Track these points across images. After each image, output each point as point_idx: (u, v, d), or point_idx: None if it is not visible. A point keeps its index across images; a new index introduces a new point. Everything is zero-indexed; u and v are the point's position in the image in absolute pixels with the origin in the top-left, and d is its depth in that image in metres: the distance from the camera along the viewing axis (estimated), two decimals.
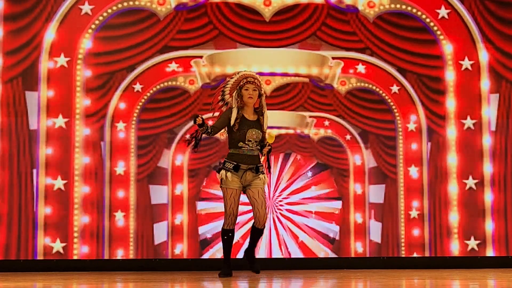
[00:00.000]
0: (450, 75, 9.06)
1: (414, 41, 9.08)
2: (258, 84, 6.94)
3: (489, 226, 8.94)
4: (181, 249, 8.78)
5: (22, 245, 8.59)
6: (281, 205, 8.88)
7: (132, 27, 8.89)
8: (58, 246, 8.61)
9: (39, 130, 8.68)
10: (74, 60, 8.76)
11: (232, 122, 6.84)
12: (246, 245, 8.69)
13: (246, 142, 6.84)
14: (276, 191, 8.90)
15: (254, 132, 6.84)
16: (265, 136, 6.90)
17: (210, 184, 8.84)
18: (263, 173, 6.91)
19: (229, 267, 6.96)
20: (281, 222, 8.87)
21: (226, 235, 6.92)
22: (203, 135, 6.91)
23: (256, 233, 6.97)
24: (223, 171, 6.85)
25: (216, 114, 7.01)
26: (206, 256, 8.79)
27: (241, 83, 6.92)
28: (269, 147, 6.86)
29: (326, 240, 8.93)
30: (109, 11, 8.87)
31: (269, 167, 7.06)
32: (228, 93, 6.97)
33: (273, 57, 8.98)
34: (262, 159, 6.93)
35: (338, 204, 8.95)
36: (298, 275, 7.37)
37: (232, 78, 6.99)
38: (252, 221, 6.94)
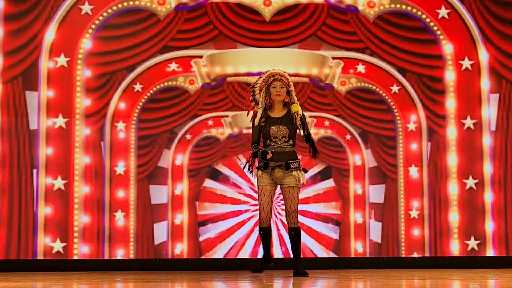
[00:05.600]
0: (450, 75, 9.06)
1: (414, 41, 9.08)
2: (286, 81, 7.00)
3: (489, 226, 8.94)
4: (181, 249, 8.78)
5: (22, 245, 8.59)
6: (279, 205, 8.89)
7: (132, 27, 8.89)
8: (58, 246, 8.61)
9: (39, 130, 8.68)
10: (74, 60, 8.76)
11: (256, 122, 6.90)
12: (248, 244, 8.73)
13: (273, 139, 6.88)
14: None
15: (276, 129, 6.86)
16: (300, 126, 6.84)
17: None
18: (297, 170, 6.89)
19: (262, 264, 7.07)
20: (282, 222, 8.87)
21: (261, 232, 6.99)
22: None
23: (291, 234, 6.94)
24: (255, 170, 6.95)
25: (251, 112, 7.04)
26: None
27: (269, 82, 6.99)
28: (300, 116, 6.77)
29: (327, 241, 8.93)
30: (109, 11, 8.87)
31: (313, 150, 6.96)
32: (258, 92, 7.05)
33: (273, 57, 8.98)
34: (302, 135, 6.81)
35: (337, 207, 8.95)
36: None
37: (261, 77, 7.08)
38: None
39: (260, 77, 7.10)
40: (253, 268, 7.19)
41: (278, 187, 6.99)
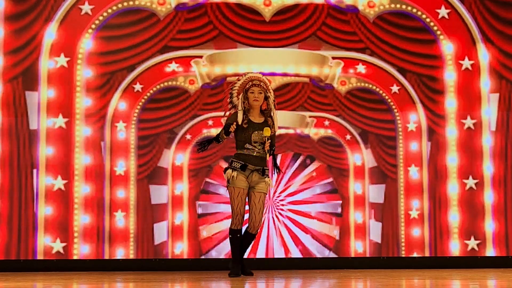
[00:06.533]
0: (450, 75, 9.06)
1: (414, 41, 9.08)
2: (264, 86, 6.91)
3: (489, 226, 8.94)
4: (181, 249, 8.78)
5: (22, 245, 8.59)
6: (282, 205, 8.88)
7: (132, 27, 8.89)
8: (58, 246, 8.61)
9: (39, 130, 8.68)
10: (74, 60, 8.76)
11: (240, 122, 6.82)
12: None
13: (253, 144, 6.83)
14: (276, 191, 8.90)
15: (258, 134, 6.80)
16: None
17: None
18: (269, 177, 6.90)
19: (237, 267, 6.93)
20: (280, 222, 8.86)
21: (234, 235, 6.89)
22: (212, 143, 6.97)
23: (247, 238, 6.93)
24: (229, 171, 6.84)
25: (227, 113, 7.01)
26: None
27: (247, 86, 6.92)
28: (269, 141, 6.77)
29: (327, 240, 8.93)
30: (109, 11, 8.87)
31: (276, 168, 7.04)
32: (236, 95, 6.97)
33: (273, 57, 8.98)
34: (268, 158, 6.89)
35: (338, 208, 8.95)
36: (298, 275, 7.37)
37: (239, 80, 6.99)
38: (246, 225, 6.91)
39: (238, 80, 7.00)
40: (232, 273, 6.92)
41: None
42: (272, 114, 6.93)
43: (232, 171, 6.82)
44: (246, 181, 6.83)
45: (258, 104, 6.89)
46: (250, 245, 7.08)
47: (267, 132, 6.74)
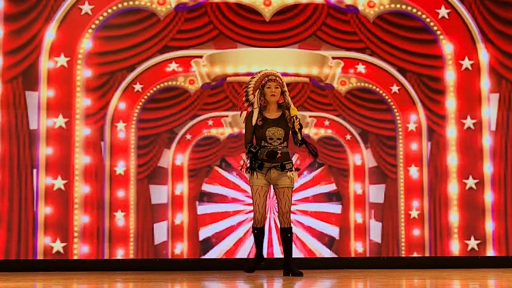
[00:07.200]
0: (450, 75, 9.06)
1: (414, 41, 9.08)
2: (280, 81, 6.96)
3: (489, 226, 8.94)
4: (181, 249, 8.78)
5: (22, 245, 8.59)
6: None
7: (132, 27, 8.89)
8: (58, 246, 8.61)
9: (39, 130, 8.68)
10: (74, 60, 8.76)
11: (254, 122, 6.87)
12: (248, 241, 8.73)
13: (268, 141, 6.86)
14: None
15: (273, 130, 6.85)
16: (291, 127, 6.88)
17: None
18: (291, 171, 6.90)
19: (254, 263, 7.04)
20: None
21: (254, 232, 6.98)
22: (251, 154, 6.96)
23: (282, 234, 6.96)
24: (248, 170, 6.93)
25: (244, 113, 7.04)
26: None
27: (263, 82, 6.96)
28: (298, 120, 6.79)
29: (326, 240, 8.93)
30: (109, 11, 8.87)
31: (311, 151, 6.98)
32: (252, 93, 7.02)
33: (273, 57, 8.98)
34: (297, 139, 6.85)
35: (338, 208, 8.95)
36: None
37: (254, 77, 7.04)
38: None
39: (253, 77, 7.06)
40: (246, 268, 7.14)
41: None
42: (289, 106, 6.92)
43: (251, 171, 6.89)
44: (264, 179, 6.87)
45: (275, 99, 6.93)
46: (291, 242, 6.99)
47: (293, 111, 6.79)
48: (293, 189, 6.96)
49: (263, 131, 6.86)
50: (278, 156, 6.80)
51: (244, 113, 7.05)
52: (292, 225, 6.99)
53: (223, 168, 8.88)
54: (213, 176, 8.86)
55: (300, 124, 6.81)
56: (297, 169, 7.00)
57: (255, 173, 6.87)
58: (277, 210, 6.99)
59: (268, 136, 6.86)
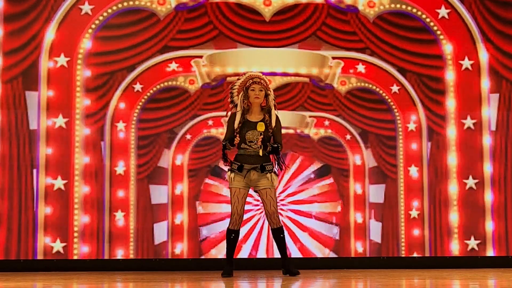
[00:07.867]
0: (450, 75, 9.06)
1: (414, 41, 9.08)
2: (264, 84, 6.98)
3: (489, 226, 8.94)
4: (181, 249, 8.78)
5: (22, 245, 8.59)
6: (283, 205, 8.88)
7: (132, 27, 8.89)
8: (58, 246, 8.61)
9: (39, 130, 8.68)
10: (74, 60, 8.76)
11: (235, 126, 6.88)
12: (248, 241, 8.72)
13: (248, 143, 6.88)
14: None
15: (252, 133, 6.85)
16: (272, 134, 6.90)
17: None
18: (271, 172, 6.90)
19: (231, 267, 6.96)
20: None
21: (230, 235, 6.94)
22: (226, 150, 6.98)
23: (275, 234, 6.96)
24: (228, 173, 6.95)
25: (229, 113, 7.06)
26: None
27: (247, 84, 6.98)
28: (261, 137, 6.78)
29: (327, 240, 8.93)
30: (109, 11, 8.87)
31: (278, 163, 7.01)
32: (236, 94, 7.05)
33: (273, 57, 8.98)
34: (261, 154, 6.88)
35: (337, 207, 8.95)
36: (297, 275, 7.36)
37: (239, 79, 7.06)
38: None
39: (238, 79, 7.07)
40: (225, 274, 6.94)
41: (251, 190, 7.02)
42: (271, 109, 6.95)
43: (230, 173, 6.91)
44: (243, 181, 6.89)
45: (259, 101, 6.95)
46: (285, 242, 6.98)
47: (260, 127, 6.79)
48: (275, 189, 6.95)
49: (243, 133, 6.88)
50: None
51: (229, 113, 7.06)
52: (281, 224, 6.99)
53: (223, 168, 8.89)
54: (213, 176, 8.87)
55: (263, 141, 6.78)
56: (275, 173, 6.97)
57: (233, 175, 6.88)
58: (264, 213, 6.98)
59: (248, 138, 6.87)
